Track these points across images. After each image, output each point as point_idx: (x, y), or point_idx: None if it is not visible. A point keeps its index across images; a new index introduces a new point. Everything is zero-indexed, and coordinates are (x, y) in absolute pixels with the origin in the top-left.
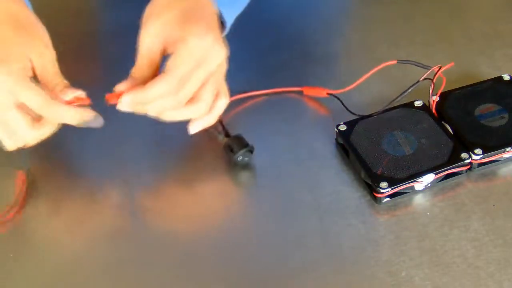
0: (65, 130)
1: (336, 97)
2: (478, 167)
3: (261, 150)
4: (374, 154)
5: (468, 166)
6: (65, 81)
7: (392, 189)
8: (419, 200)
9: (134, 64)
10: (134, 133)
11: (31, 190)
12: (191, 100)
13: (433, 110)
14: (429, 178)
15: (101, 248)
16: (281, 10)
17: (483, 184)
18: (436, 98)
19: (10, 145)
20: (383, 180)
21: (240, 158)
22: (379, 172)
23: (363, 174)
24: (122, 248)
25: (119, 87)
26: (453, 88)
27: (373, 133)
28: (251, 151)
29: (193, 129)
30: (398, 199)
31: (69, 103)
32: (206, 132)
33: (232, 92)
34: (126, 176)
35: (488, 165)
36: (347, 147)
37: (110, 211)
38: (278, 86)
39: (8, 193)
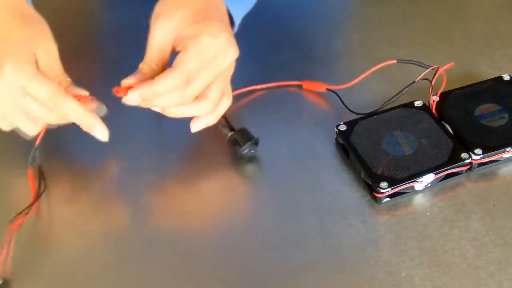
0: (66, 128)
1: (334, 92)
2: (478, 167)
3: (261, 151)
4: (374, 154)
5: (468, 166)
6: (68, 79)
7: (392, 189)
8: (419, 200)
9: (134, 64)
10: (137, 129)
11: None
12: (197, 97)
13: (433, 110)
14: (429, 178)
15: (106, 246)
16: (281, 10)
17: (483, 184)
18: (436, 98)
19: (32, 130)
20: (383, 180)
21: (247, 151)
22: (379, 172)
23: (363, 174)
24: (124, 245)
25: (127, 81)
26: (453, 88)
27: (373, 133)
28: (256, 144)
29: (195, 127)
30: (398, 199)
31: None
32: (210, 127)
33: (232, 88)
34: (130, 172)
35: (488, 165)
36: (347, 147)
37: (114, 208)
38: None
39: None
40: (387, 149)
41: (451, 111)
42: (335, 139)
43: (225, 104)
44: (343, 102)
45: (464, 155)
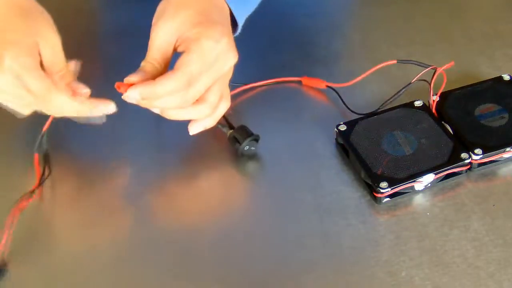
0: (68, 127)
1: (334, 90)
2: (478, 167)
3: (260, 150)
4: (374, 154)
5: (468, 166)
6: (70, 71)
7: (392, 189)
8: (419, 200)
9: (134, 63)
10: (137, 128)
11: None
12: (197, 100)
13: (433, 110)
14: (429, 178)
15: (107, 245)
16: (282, 10)
17: (483, 184)
18: (436, 98)
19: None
20: (383, 180)
21: (247, 148)
22: (379, 172)
23: (363, 174)
24: (125, 244)
25: (130, 78)
26: (453, 88)
27: (373, 133)
28: (256, 140)
29: (193, 130)
30: (398, 199)
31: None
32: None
33: (231, 86)
34: (131, 171)
35: (488, 165)
36: (347, 147)
37: (115, 207)
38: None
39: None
40: (387, 149)
41: (451, 111)
42: (335, 139)
43: (224, 107)
44: (343, 101)
45: (464, 155)
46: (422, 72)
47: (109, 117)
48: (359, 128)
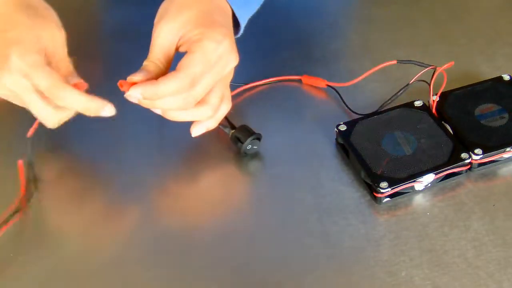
0: (70, 125)
1: (334, 89)
2: (478, 167)
3: (261, 151)
4: (374, 154)
5: (468, 166)
6: (70, 66)
7: (392, 189)
8: (419, 200)
9: (134, 64)
10: (139, 128)
11: (32, 183)
12: (198, 102)
13: (433, 110)
14: (429, 178)
15: (109, 246)
16: (281, 11)
17: (483, 184)
18: (436, 98)
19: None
20: (383, 180)
21: (249, 147)
22: (379, 172)
23: (363, 174)
24: (127, 244)
25: (133, 77)
26: (453, 88)
27: (373, 133)
28: (258, 139)
29: (195, 131)
30: (398, 199)
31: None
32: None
33: (231, 86)
34: (132, 172)
35: (488, 165)
36: (347, 147)
37: (117, 208)
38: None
39: (11, 185)
40: (387, 149)
41: (451, 111)
42: (335, 139)
43: (225, 108)
44: (343, 101)
45: (464, 155)
46: (422, 72)
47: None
48: (359, 128)
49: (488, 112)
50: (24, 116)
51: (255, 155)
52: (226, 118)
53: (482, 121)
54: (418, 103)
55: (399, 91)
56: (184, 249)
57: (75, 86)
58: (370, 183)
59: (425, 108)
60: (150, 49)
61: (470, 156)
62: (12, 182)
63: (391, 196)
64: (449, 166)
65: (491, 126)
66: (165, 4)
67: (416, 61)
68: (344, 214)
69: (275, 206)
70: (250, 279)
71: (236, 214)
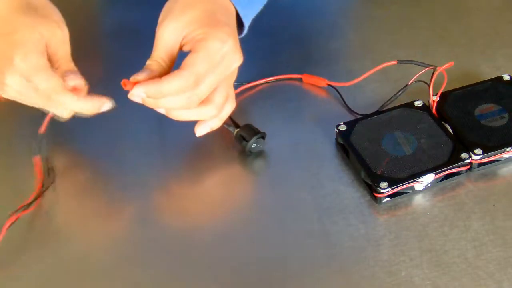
0: (68, 127)
1: (334, 88)
2: (478, 167)
3: (260, 151)
4: (374, 154)
5: (468, 166)
6: (71, 65)
7: (392, 189)
8: (419, 200)
9: (135, 63)
10: (141, 127)
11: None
12: (203, 101)
13: (433, 110)
14: (429, 178)
15: (111, 245)
16: (281, 11)
17: (483, 184)
18: (436, 98)
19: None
20: (383, 180)
21: (254, 145)
22: (379, 172)
23: (363, 174)
24: (129, 244)
25: (137, 77)
26: (453, 88)
27: (373, 133)
28: (263, 138)
29: (200, 131)
30: (398, 199)
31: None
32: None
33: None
34: (136, 171)
35: (488, 165)
36: (347, 147)
37: (118, 207)
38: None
39: (27, 181)
40: (387, 149)
41: (451, 111)
42: (335, 139)
43: (229, 108)
44: (343, 100)
45: (464, 155)
46: (421, 72)
47: (114, 116)
48: (359, 128)
49: (488, 112)
50: (33, 113)
51: (259, 154)
52: (230, 117)
53: (482, 121)
54: (418, 103)
55: (398, 92)
56: (184, 248)
57: (74, 89)
58: (370, 183)
59: (425, 108)
60: (153, 48)
61: (470, 156)
62: (26, 179)
63: (391, 196)
64: (449, 166)
65: (491, 126)
66: (169, 3)
67: (416, 61)
68: (344, 214)
69: (275, 206)
70: (250, 279)
71: (236, 214)
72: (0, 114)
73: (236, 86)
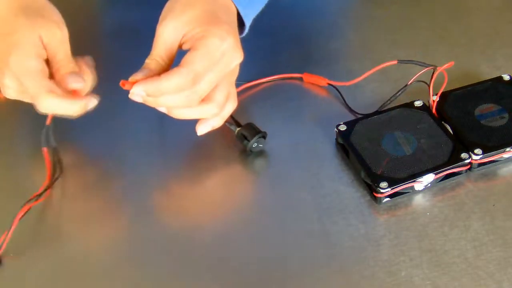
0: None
1: (335, 87)
2: (478, 167)
3: (261, 150)
4: (374, 154)
5: (468, 166)
6: (73, 65)
7: (392, 189)
8: (419, 200)
9: (134, 63)
10: (143, 126)
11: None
12: (203, 100)
13: (433, 110)
14: (429, 178)
15: (107, 244)
16: (281, 11)
17: (483, 184)
18: (436, 98)
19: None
20: (383, 180)
21: (255, 145)
22: (379, 172)
23: (363, 174)
24: (129, 244)
25: (135, 76)
26: (453, 88)
27: (373, 133)
28: (264, 137)
29: (201, 130)
30: (398, 199)
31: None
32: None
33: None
34: (137, 171)
35: (488, 165)
36: (347, 147)
37: (119, 206)
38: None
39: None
40: (387, 149)
41: (451, 111)
42: (335, 139)
43: (230, 107)
44: (344, 99)
45: (464, 155)
46: (421, 72)
47: (114, 116)
48: (359, 128)
49: (488, 112)
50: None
51: (259, 154)
52: (231, 116)
53: (482, 121)
54: (418, 103)
55: (398, 91)
56: (184, 248)
57: (74, 93)
58: (370, 183)
59: (425, 108)
60: (153, 47)
61: (470, 156)
62: (29, 177)
63: (391, 196)
64: (449, 166)
65: (491, 126)
66: (170, 3)
67: (416, 61)
68: (344, 214)
69: (275, 206)
70: (250, 279)
71: (236, 214)
72: (2, 112)
73: (236, 85)
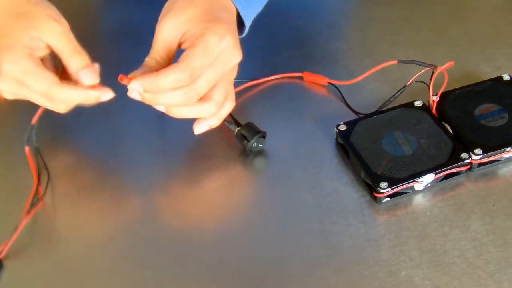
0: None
1: (335, 86)
2: (478, 167)
3: (260, 150)
4: (374, 154)
5: (468, 166)
6: (82, 57)
7: (392, 189)
8: (419, 200)
9: (134, 63)
10: (142, 126)
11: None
12: (202, 98)
13: (433, 110)
14: (429, 178)
15: (107, 244)
16: (281, 11)
17: (483, 184)
18: (436, 98)
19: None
20: (383, 180)
21: (255, 145)
22: (379, 172)
23: (363, 174)
24: (129, 244)
25: (134, 73)
26: (453, 88)
27: (373, 133)
28: (263, 137)
29: (198, 129)
30: (398, 199)
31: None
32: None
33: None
34: (136, 170)
35: (488, 165)
36: (347, 147)
37: (117, 206)
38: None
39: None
40: (387, 149)
41: (451, 111)
42: (335, 139)
43: (229, 106)
44: (344, 99)
45: (464, 155)
46: (421, 71)
47: (114, 116)
48: (359, 128)
49: (488, 112)
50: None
51: (259, 153)
52: (231, 115)
53: (482, 121)
54: (418, 103)
55: (398, 91)
56: (184, 248)
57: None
58: (370, 183)
59: (425, 108)
60: (152, 45)
61: (470, 156)
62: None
63: (391, 196)
64: (449, 166)
65: (491, 126)
66: (170, 2)
67: (417, 61)
68: (344, 214)
69: (274, 206)
70: (250, 279)
71: (236, 214)
72: (2, 112)
73: (236, 84)
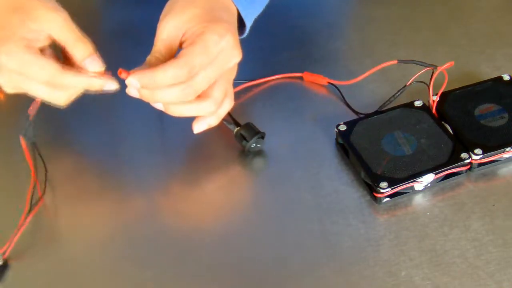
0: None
1: (335, 86)
2: (478, 167)
3: (260, 150)
4: (374, 154)
5: (468, 166)
6: (86, 46)
7: (392, 189)
8: (419, 200)
9: (135, 63)
10: (142, 126)
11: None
12: (201, 96)
13: (433, 110)
14: (429, 178)
15: (107, 244)
16: (281, 11)
17: (483, 184)
18: (436, 98)
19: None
20: (383, 180)
21: (254, 145)
22: (379, 172)
23: (363, 174)
24: (128, 244)
25: (133, 70)
26: (453, 88)
27: (373, 133)
28: (262, 137)
29: (197, 128)
30: (398, 199)
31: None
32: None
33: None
34: (135, 170)
35: (488, 165)
36: (347, 147)
37: (117, 206)
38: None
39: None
40: (387, 149)
41: (451, 111)
42: (335, 139)
43: (228, 105)
44: (344, 98)
45: (464, 155)
46: (421, 71)
47: (113, 116)
48: (359, 128)
49: (488, 112)
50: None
51: (258, 153)
52: (230, 115)
53: (482, 121)
54: (418, 103)
55: (398, 91)
56: (184, 248)
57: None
58: (370, 183)
59: (425, 108)
60: (153, 44)
61: (470, 156)
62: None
63: (391, 196)
64: (449, 166)
65: (491, 126)
66: (171, 1)
67: (417, 61)
68: (344, 214)
69: (274, 206)
70: (250, 279)
71: (235, 214)
72: (2, 112)
73: (236, 84)
